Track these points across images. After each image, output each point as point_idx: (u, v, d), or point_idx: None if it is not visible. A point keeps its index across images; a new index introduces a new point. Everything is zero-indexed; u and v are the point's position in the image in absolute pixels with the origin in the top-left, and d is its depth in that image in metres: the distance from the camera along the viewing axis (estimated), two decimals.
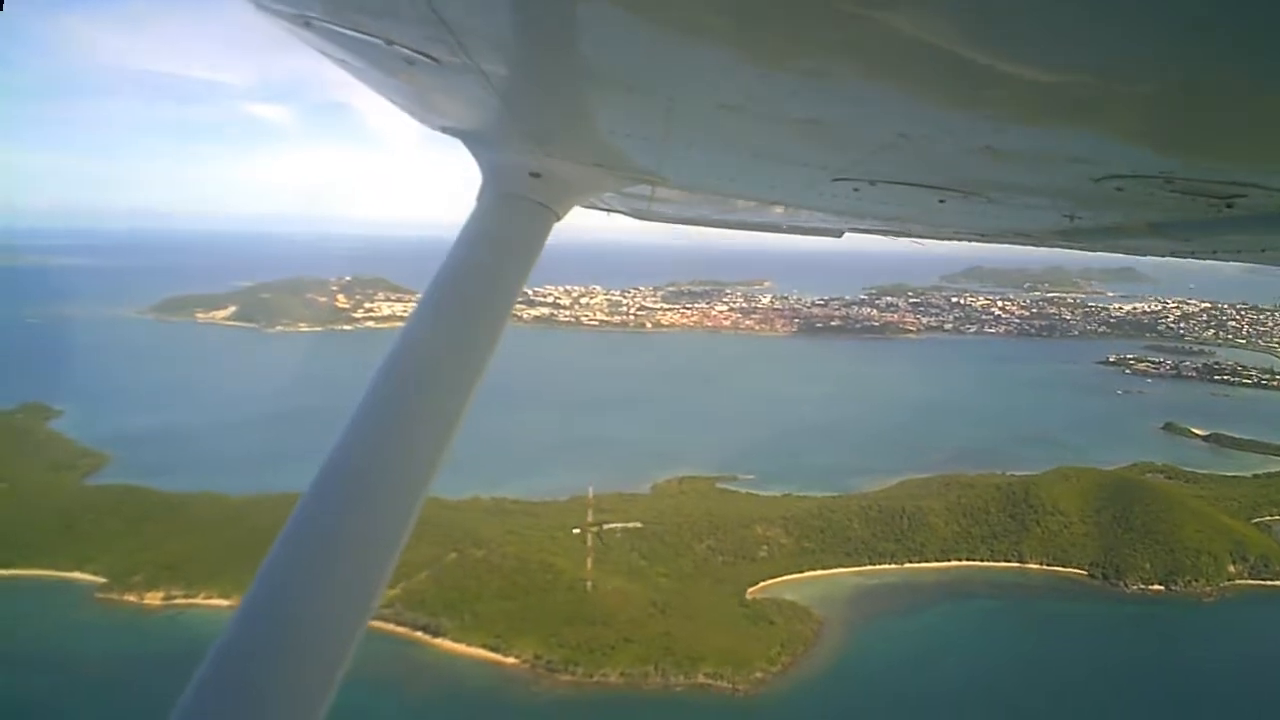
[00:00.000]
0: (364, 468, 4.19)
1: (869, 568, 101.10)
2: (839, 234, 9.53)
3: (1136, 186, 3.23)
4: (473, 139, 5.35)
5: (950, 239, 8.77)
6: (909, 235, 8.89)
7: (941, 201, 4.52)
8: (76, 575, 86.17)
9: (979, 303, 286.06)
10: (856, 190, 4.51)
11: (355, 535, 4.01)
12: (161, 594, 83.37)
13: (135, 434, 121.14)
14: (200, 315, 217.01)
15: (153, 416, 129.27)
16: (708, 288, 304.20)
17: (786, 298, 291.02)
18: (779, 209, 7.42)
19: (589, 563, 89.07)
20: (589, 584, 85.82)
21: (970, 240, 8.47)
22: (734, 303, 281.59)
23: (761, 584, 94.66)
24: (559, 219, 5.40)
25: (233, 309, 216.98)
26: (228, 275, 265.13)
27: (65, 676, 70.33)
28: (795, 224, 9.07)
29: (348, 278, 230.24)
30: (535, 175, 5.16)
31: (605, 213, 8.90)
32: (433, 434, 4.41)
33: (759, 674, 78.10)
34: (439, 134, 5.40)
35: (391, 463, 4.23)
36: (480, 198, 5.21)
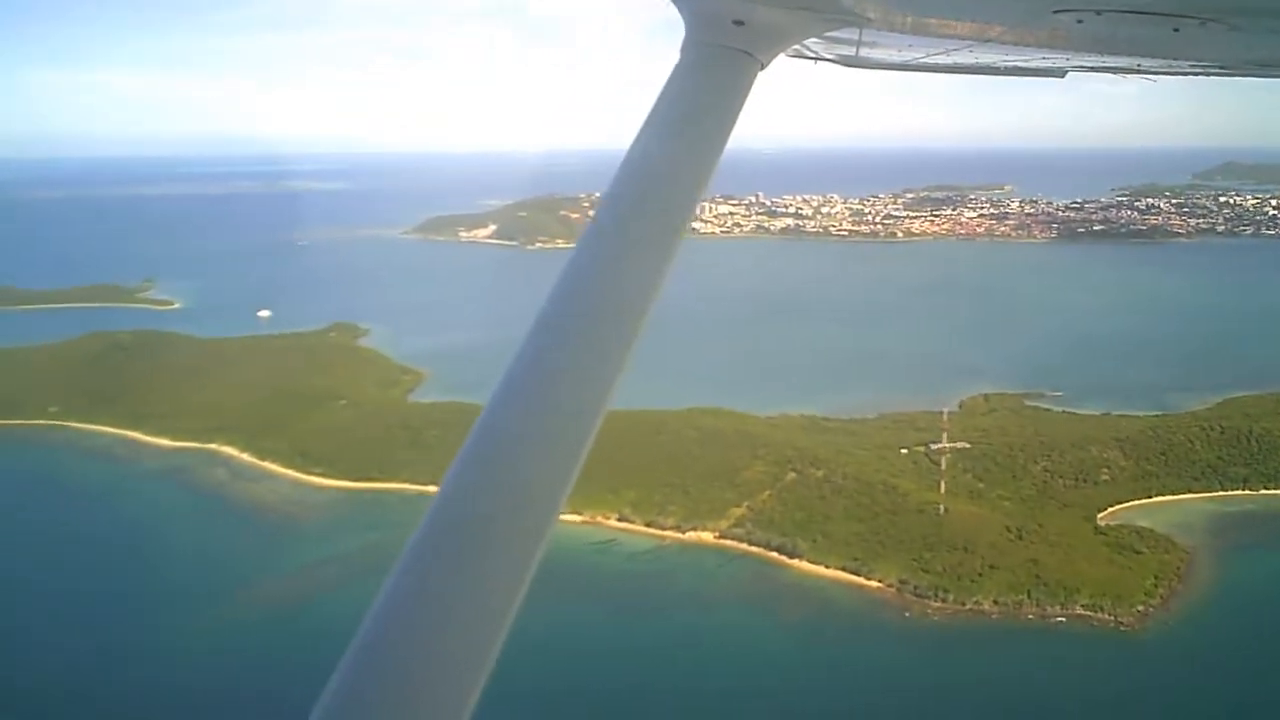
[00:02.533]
0: (581, 310, 4.14)
1: (1222, 493, 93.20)
2: (1062, 74, 8.90)
3: None
4: None
5: (1183, 73, 8.45)
6: (1138, 71, 8.50)
7: (1176, 30, 4.41)
8: (408, 487, 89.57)
9: (1248, 202, 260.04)
10: (1080, 22, 4.45)
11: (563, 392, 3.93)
12: None
13: (444, 351, 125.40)
14: (463, 234, 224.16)
15: (455, 333, 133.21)
16: (948, 193, 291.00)
17: (1034, 201, 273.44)
18: (996, 48, 7.14)
19: (942, 486, 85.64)
20: (941, 508, 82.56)
21: (1207, 74, 8.14)
22: (980, 208, 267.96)
23: (1110, 509, 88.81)
24: (764, 68, 5.12)
25: (493, 228, 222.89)
26: (475, 195, 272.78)
27: None
28: (1014, 64, 8.52)
29: (596, 194, 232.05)
30: (739, 23, 4.98)
31: (812, 61, 8.21)
32: (640, 283, 4.21)
33: (1139, 607, 73.21)
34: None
35: (602, 311, 4.12)
36: (683, 50, 4.97)
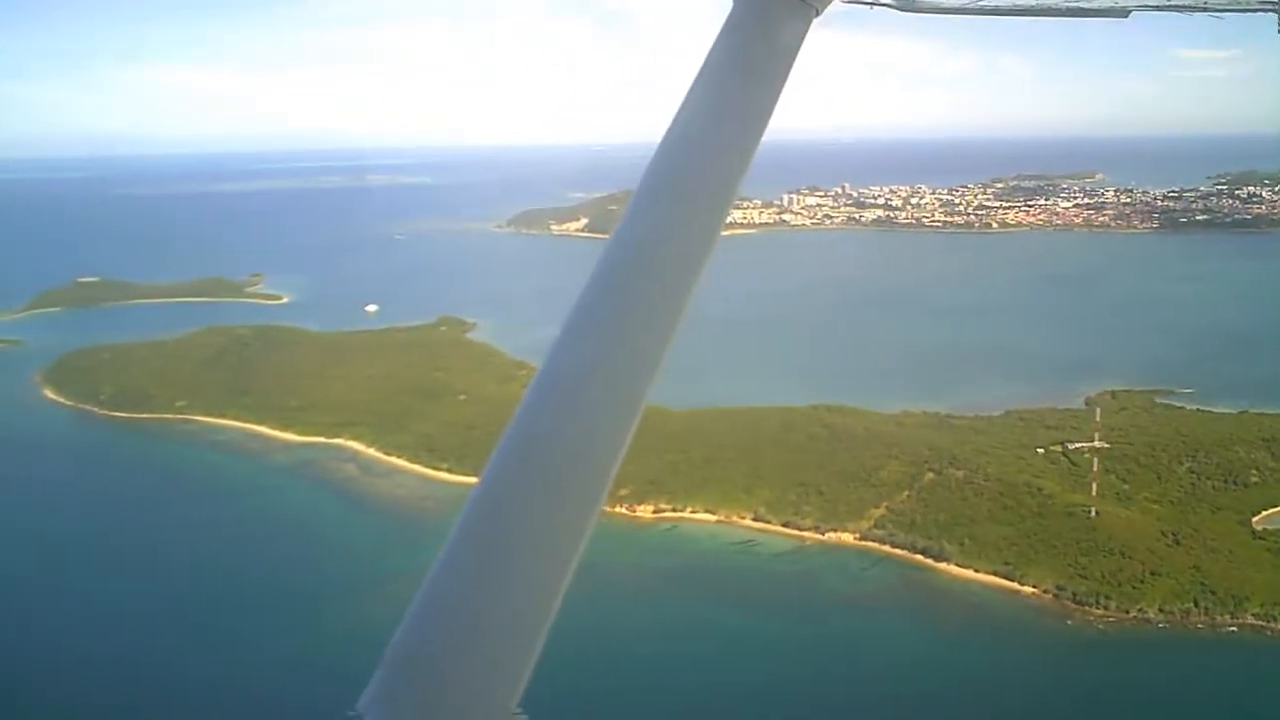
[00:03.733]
0: (644, 255, 4.13)
1: None
2: (1125, 13, 8.29)
3: None
4: None
5: (1253, 9, 8.35)
6: (1204, 9, 8.14)
7: None
8: None
9: None
10: None
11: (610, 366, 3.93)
12: (651, 507, 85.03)
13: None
14: (554, 228, 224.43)
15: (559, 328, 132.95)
16: (1037, 183, 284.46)
17: (1130, 191, 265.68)
18: None
19: (1094, 488, 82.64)
20: (1093, 511, 79.66)
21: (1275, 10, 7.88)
22: (1074, 198, 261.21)
23: (1264, 512, 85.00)
24: (818, 14, 5.09)
25: (584, 221, 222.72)
26: (560, 188, 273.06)
27: (596, 586, 72.68)
28: (1076, 4, 8.26)
29: None
30: None
31: (868, 6, 7.55)
32: (696, 237, 4.23)
33: None
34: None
35: (666, 253, 4.12)
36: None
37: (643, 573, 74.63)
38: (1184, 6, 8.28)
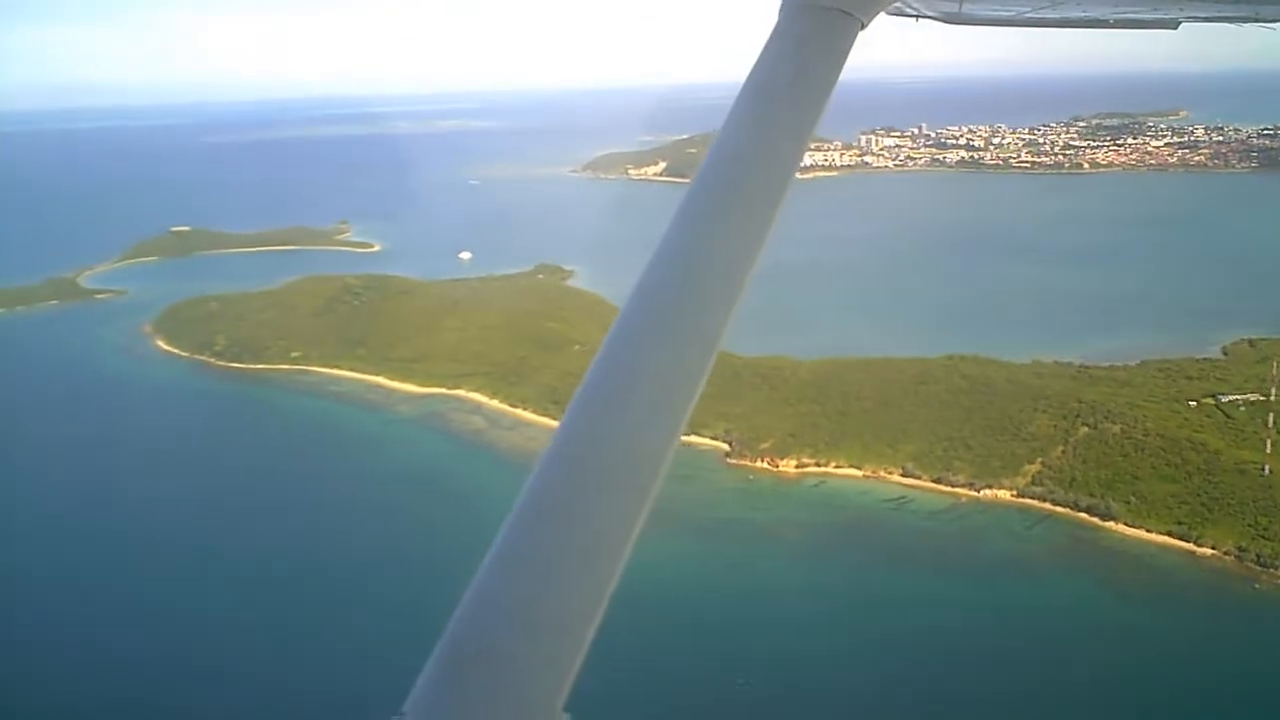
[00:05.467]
0: (682, 275, 4.20)
1: None
2: (1175, 25, 8.17)
3: None
4: None
5: None
6: (1258, 20, 7.92)
7: None
8: (693, 439, 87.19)
9: None
10: None
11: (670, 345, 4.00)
12: (793, 461, 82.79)
13: None
14: (632, 172, 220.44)
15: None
16: (1121, 121, 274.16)
17: (1221, 129, 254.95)
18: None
19: (1268, 445, 78.85)
20: (1265, 468, 76.08)
21: None
22: (1163, 137, 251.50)
23: None
24: (864, 27, 5.14)
25: (662, 164, 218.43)
26: (631, 132, 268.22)
27: (754, 545, 70.93)
28: (1123, 16, 8.16)
29: None
30: None
31: (914, 19, 7.51)
32: (738, 251, 4.24)
33: None
34: None
35: (703, 276, 4.17)
36: (781, 11, 5.00)
37: (799, 531, 72.68)
38: (1233, 17, 8.11)
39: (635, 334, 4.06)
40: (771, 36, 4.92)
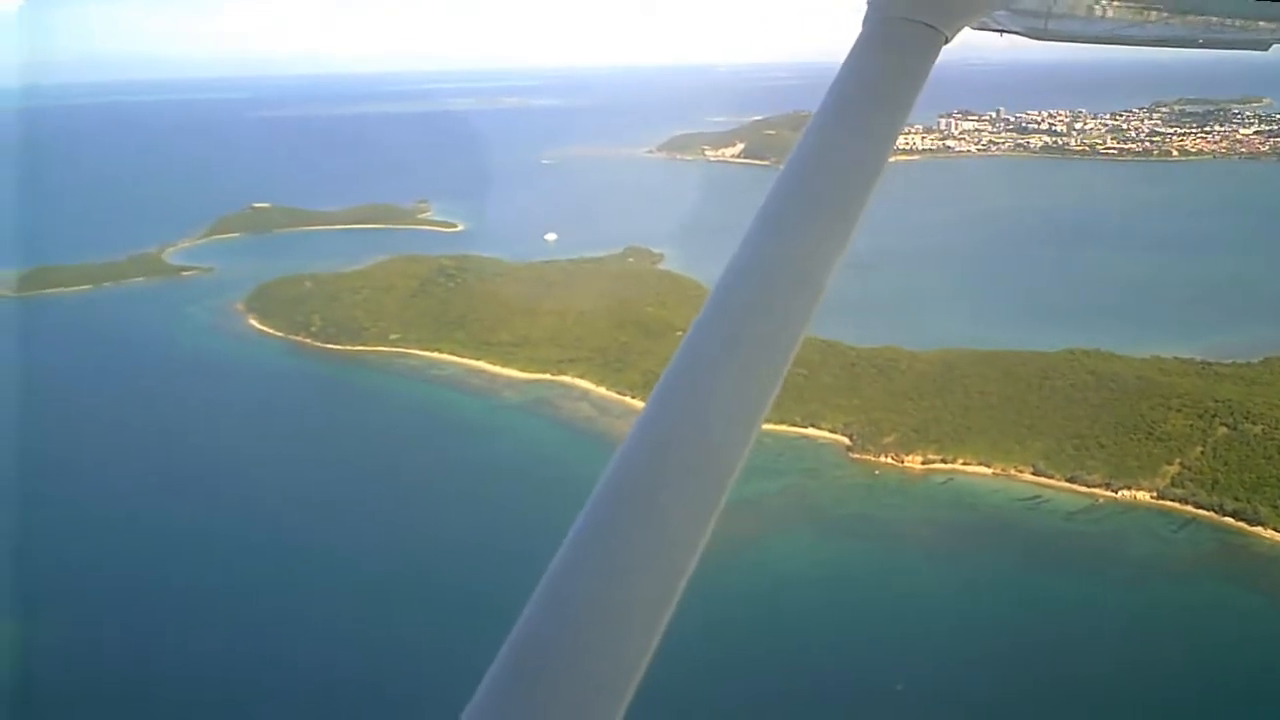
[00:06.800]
0: (756, 291, 4.26)
1: None
2: (1265, 46, 8.24)
3: None
4: None
5: None
6: None
7: None
8: (811, 431, 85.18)
9: None
10: None
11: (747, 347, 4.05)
12: (919, 457, 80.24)
13: None
14: (710, 153, 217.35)
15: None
16: (1205, 107, 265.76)
17: None
18: (1196, 18, 6.89)
19: None
20: None
21: None
22: (1250, 124, 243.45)
23: None
24: (948, 41, 5.13)
25: (740, 146, 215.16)
26: (702, 112, 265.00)
27: (890, 545, 68.62)
28: (1214, 35, 8.08)
29: None
30: None
31: (997, 34, 7.43)
32: (819, 255, 4.27)
33: None
34: None
35: (776, 288, 4.21)
36: (865, 22, 5.05)
37: (933, 529, 70.22)
38: None
39: (716, 330, 4.06)
40: (855, 46, 4.93)
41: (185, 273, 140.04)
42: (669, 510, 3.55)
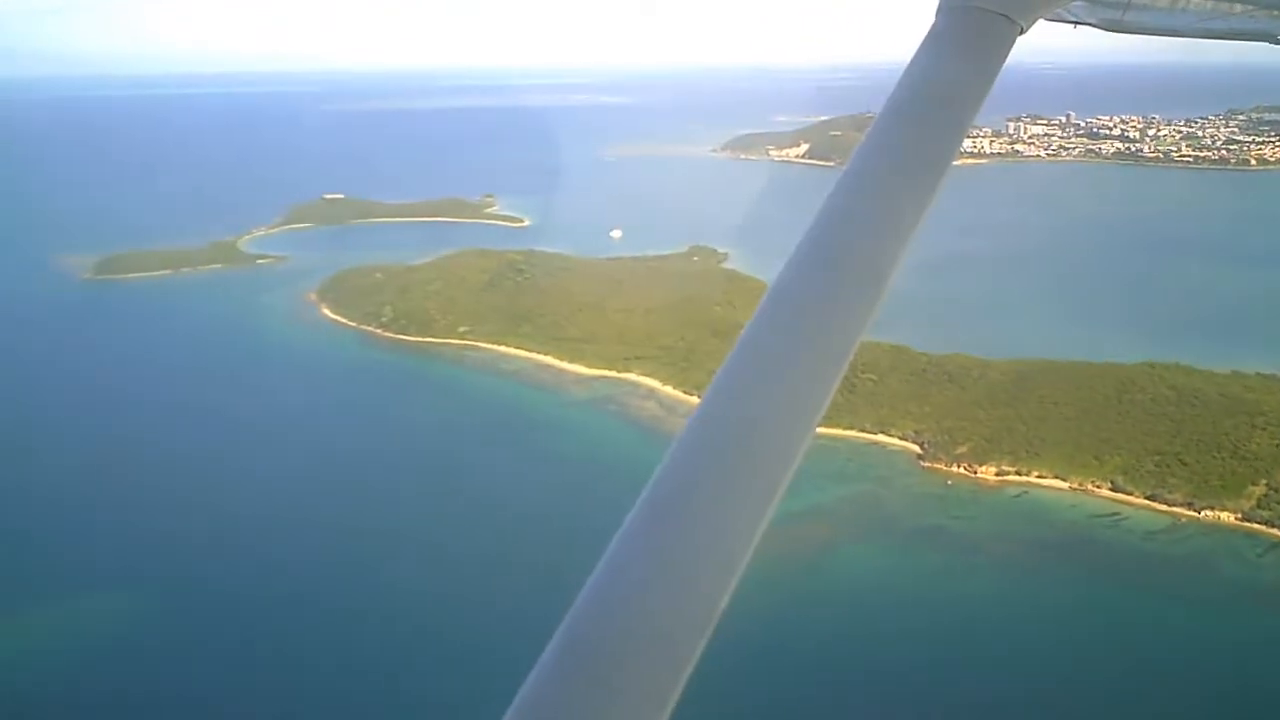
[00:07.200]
0: (819, 283, 4.16)
1: None
2: None
3: None
4: None
5: None
6: None
7: None
8: (881, 438, 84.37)
9: None
10: None
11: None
12: (992, 469, 79.02)
13: None
14: (774, 153, 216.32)
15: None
16: None
17: None
18: None
19: None
20: None
21: None
22: None
23: None
24: (1023, 32, 5.02)
25: (805, 146, 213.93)
26: (766, 111, 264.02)
27: (967, 558, 67.63)
28: None
29: None
30: None
31: (1072, 25, 7.04)
32: (882, 253, 4.18)
33: None
34: None
35: (834, 289, 4.10)
36: (939, 12, 4.94)
37: (1010, 544, 68.95)
38: None
39: (772, 329, 4.00)
40: (928, 37, 4.84)
41: (260, 261, 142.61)
42: (719, 512, 3.46)
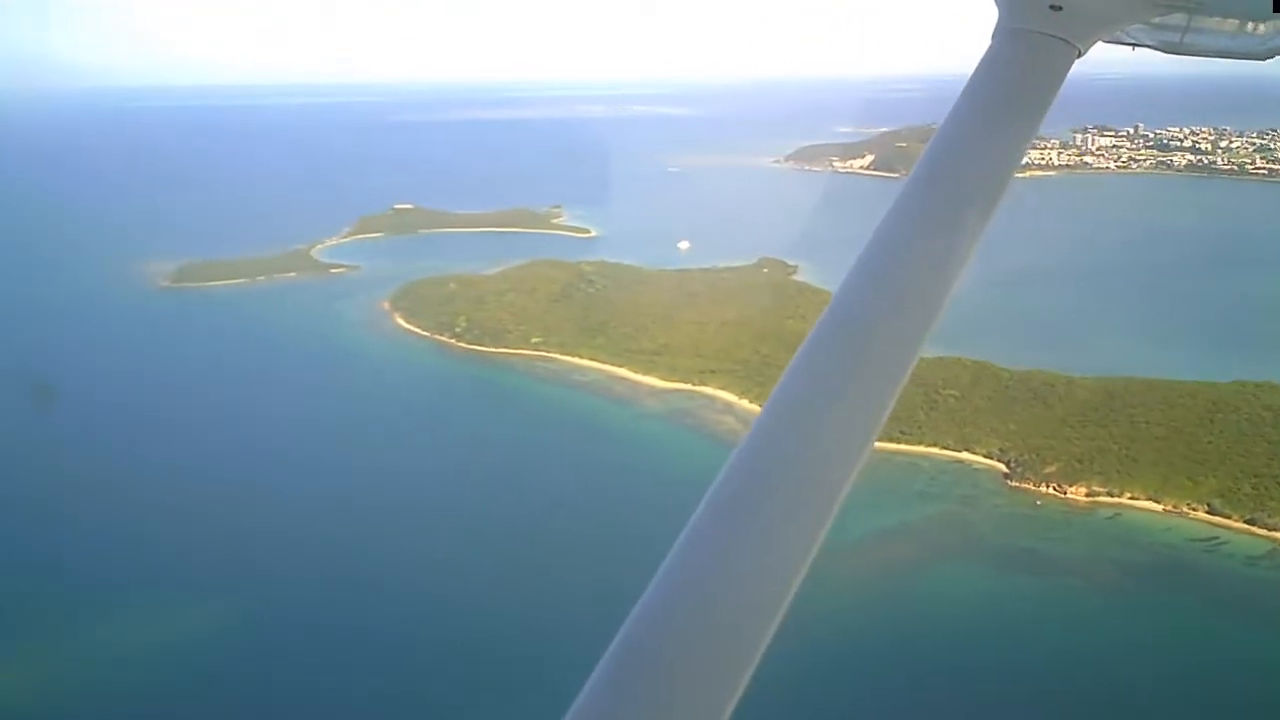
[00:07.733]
0: (876, 299, 4.24)
1: None
2: None
3: None
4: None
5: None
6: None
7: None
8: (965, 456, 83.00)
9: None
10: None
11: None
12: (1083, 489, 77.29)
13: None
14: (838, 164, 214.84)
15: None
16: None
17: None
18: None
19: None
20: None
21: None
22: None
23: None
24: (1081, 55, 5.04)
25: (870, 158, 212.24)
26: (828, 122, 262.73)
27: (1060, 581, 66.11)
28: None
29: None
30: (1056, 8, 4.91)
31: (1130, 48, 7.10)
32: (941, 268, 4.19)
33: None
34: None
35: (895, 301, 4.17)
36: (994, 36, 4.95)
37: (1107, 567, 67.43)
38: None
39: (834, 339, 4.05)
40: (983, 61, 4.82)
41: (334, 270, 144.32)
42: (778, 519, 3.50)
